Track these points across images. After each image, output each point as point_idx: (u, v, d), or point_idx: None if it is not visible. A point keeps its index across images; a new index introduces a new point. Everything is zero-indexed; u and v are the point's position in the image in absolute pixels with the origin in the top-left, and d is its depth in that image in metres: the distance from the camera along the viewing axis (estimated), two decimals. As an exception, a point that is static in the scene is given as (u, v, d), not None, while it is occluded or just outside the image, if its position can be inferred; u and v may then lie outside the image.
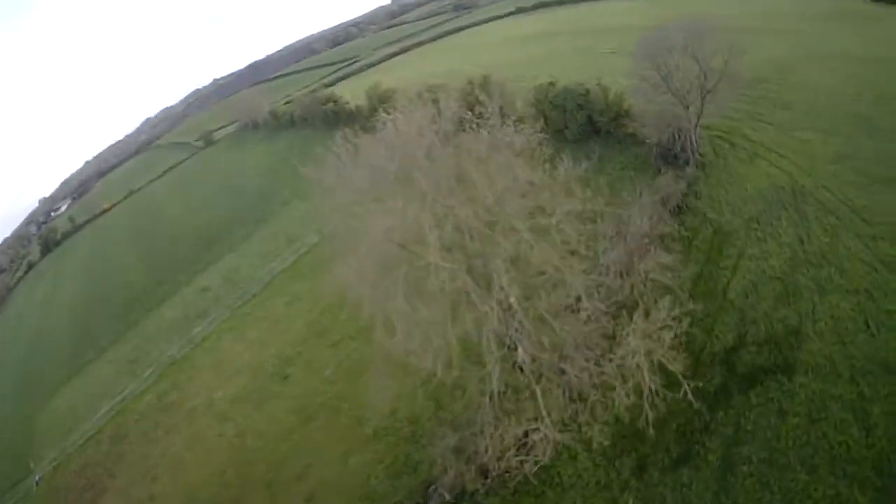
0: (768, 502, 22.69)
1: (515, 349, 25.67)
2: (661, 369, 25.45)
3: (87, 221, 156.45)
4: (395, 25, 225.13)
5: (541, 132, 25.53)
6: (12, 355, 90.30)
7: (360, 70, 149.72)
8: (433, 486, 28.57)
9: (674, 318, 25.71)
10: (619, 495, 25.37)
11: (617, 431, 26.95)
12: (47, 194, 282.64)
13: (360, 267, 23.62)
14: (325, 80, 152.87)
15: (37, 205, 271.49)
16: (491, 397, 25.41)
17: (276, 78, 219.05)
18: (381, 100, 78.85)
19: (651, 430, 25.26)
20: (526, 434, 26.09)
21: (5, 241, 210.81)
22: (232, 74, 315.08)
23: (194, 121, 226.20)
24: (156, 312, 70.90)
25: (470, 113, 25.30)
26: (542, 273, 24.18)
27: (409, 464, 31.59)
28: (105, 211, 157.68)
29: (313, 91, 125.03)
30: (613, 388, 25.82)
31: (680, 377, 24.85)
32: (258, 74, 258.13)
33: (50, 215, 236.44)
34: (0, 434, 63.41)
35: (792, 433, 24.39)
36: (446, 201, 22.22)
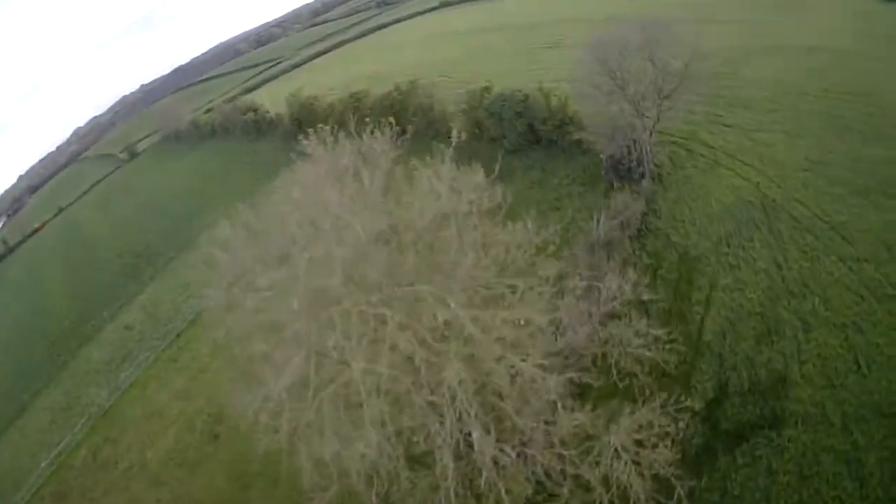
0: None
1: (471, 447, 19.70)
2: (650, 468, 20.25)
3: (20, 243, 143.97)
4: (319, 24, 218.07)
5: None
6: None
7: (284, 72, 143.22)
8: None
9: (667, 415, 20.14)
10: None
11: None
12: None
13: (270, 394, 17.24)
14: (249, 83, 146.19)
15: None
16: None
17: (200, 82, 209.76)
18: (303, 107, 73.55)
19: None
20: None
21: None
22: (158, 80, 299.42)
23: (121, 131, 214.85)
24: (84, 351, 65.33)
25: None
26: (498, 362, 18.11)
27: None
28: (36, 230, 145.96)
29: (233, 98, 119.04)
30: (591, 490, 20.34)
31: (673, 479, 19.58)
32: (184, 79, 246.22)
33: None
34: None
35: (783, 493, 22.15)
36: (376, 309, 16.14)
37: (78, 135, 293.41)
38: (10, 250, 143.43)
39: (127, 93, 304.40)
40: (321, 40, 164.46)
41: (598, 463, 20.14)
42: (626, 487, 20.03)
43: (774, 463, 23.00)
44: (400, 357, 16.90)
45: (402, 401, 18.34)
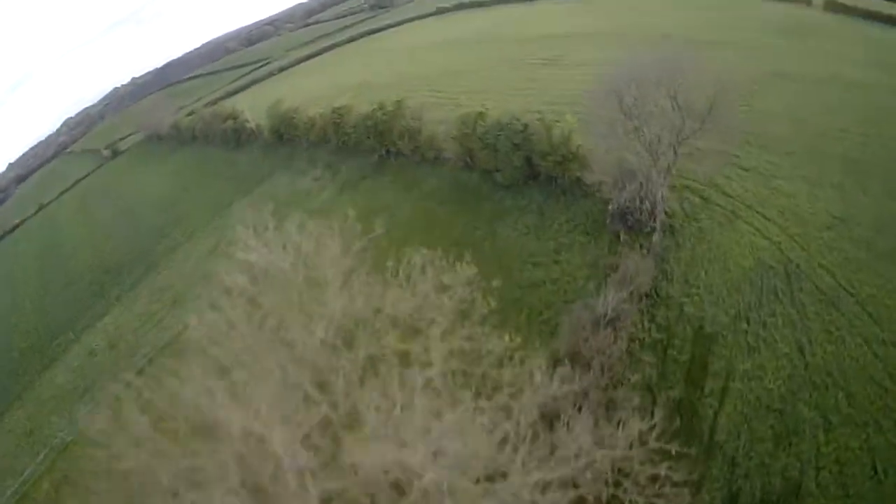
0: None
1: None
2: None
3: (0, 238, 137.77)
4: (311, 24, 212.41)
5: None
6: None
7: (271, 74, 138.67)
8: None
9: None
10: None
11: None
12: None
13: None
14: (235, 85, 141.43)
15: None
16: None
17: (188, 79, 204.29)
18: (283, 120, 69.58)
19: None
20: None
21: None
22: (149, 73, 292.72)
23: (108, 125, 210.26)
24: (49, 373, 61.92)
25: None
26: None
27: None
28: (17, 226, 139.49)
29: (215, 102, 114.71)
30: None
31: None
32: (173, 74, 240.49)
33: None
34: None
35: None
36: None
37: (68, 125, 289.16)
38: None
39: (119, 84, 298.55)
40: (312, 42, 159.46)
41: None
42: None
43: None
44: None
45: None
